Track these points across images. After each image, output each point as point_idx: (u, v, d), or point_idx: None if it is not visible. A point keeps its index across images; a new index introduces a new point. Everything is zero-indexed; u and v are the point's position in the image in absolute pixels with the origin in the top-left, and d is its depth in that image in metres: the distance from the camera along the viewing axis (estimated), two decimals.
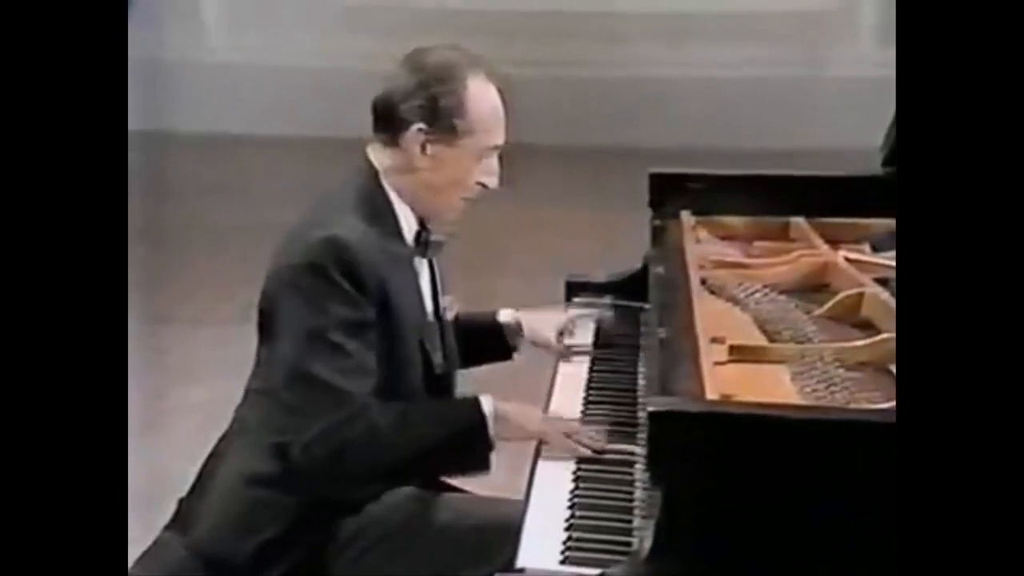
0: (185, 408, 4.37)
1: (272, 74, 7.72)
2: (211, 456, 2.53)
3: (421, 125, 2.36)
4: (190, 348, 4.90)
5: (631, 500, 2.13)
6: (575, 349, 2.82)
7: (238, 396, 2.56)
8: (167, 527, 2.50)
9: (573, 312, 2.95)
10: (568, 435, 2.34)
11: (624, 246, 3.19)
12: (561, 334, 2.83)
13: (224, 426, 2.55)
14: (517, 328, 2.82)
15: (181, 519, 2.47)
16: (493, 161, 2.45)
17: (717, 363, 2.15)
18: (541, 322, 2.84)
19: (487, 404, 2.32)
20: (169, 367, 4.75)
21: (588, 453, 2.30)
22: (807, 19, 8.16)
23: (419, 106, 2.36)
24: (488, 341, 2.80)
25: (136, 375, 4.28)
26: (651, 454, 1.76)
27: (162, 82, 7.45)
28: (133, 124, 6.04)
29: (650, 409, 1.77)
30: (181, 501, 2.53)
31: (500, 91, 2.45)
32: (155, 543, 2.46)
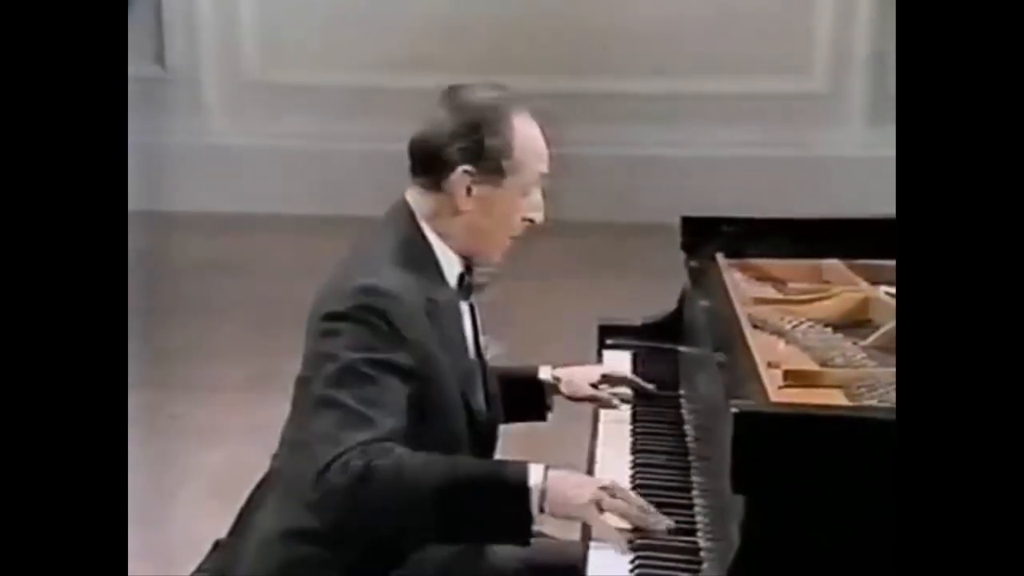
0: (200, 472, 4.34)
1: (272, 156, 7.78)
2: (250, 500, 2.48)
3: (467, 167, 2.29)
4: (204, 414, 4.87)
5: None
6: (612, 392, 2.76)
7: (254, 460, 2.52)
8: (200, 567, 2.46)
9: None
10: (626, 516, 2.10)
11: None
12: (597, 384, 2.75)
13: (241, 490, 2.51)
14: (554, 387, 2.74)
15: (219, 557, 2.43)
16: (537, 195, 2.39)
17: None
18: (579, 375, 2.77)
19: (535, 473, 2.08)
20: (183, 433, 4.72)
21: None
22: (796, 101, 8.24)
23: (465, 148, 2.29)
24: (525, 397, 2.72)
25: (149, 442, 4.29)
26: (735, 457, 1.72)
27: (167, 165, 7.54)
28: (141, 205, 6.11)
29: (734, 411, 1.73)
30: (217, 543, 2.49)
31: (540, 125, 2.40)
32: None
